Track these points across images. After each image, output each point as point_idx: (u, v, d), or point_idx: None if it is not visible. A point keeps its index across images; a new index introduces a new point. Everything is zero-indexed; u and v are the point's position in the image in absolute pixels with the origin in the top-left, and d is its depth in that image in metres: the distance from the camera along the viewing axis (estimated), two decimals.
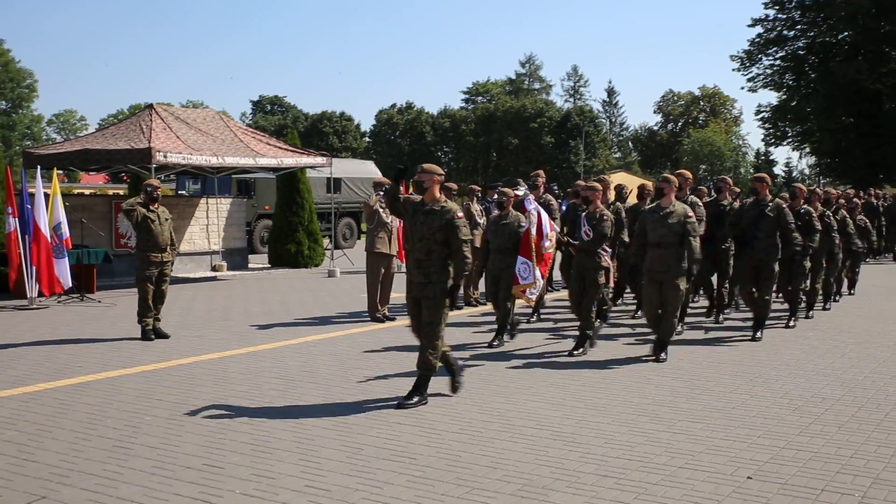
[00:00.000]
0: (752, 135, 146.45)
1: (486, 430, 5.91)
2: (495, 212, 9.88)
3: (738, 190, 13.41)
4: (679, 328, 9.64)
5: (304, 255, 19.78)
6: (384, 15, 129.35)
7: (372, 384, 7.37)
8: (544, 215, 8.98)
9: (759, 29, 45.14)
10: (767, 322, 10.14)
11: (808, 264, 10.80)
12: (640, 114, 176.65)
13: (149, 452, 5.38)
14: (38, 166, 12.98)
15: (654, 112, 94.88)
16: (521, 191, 9.70)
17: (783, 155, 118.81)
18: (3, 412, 6.45)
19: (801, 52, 44.63)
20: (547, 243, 8.90)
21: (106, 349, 9.22)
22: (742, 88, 61.06)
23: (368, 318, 11.33)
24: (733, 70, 47.42)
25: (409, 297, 6.71)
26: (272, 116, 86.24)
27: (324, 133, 75.77)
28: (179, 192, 26.68)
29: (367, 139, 78.88)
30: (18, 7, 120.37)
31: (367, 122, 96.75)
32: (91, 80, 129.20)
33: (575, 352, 8.71)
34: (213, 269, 18.76)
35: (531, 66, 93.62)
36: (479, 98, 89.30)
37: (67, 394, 7.07)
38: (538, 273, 8.79)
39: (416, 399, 6.48)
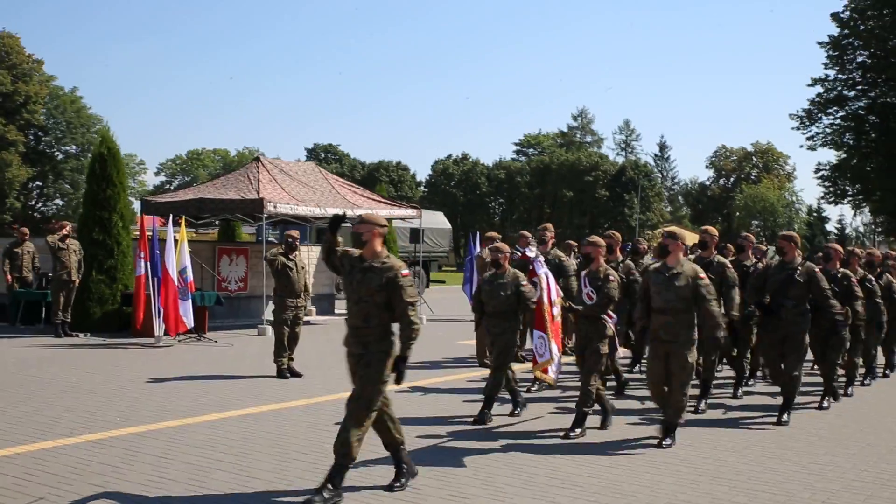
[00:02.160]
0: (806, 191, 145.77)
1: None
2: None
3: (763, 248, 12.31)
4: (702, 406, 8.99)
5: None
6: (438, 66, 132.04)
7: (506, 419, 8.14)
8: (552, 279, 8.13)
9: (818, 88, 45.69)
10: (798, 401, 8.97)
11: (847, 335, 9.58)
12: (691, 168, 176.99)
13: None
14: (171, 214, 14.04)
15: (707, 167, 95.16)
16: (532, 252, 8.63)
17: (837, 212, 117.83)
18: (198, 436, 7.32)
19: (862, 112, 45.00)
20: (556, 310, 8.02)
21: (251, 385, 10.08)
22: (801, 147, 61.29)
23: (476, 364, 12.07)
24: (793, 129, 47.61)
25: (350, 371, 5.78)
26: (327, 165, 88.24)
27: (380, 182, 77.35)
28: (259, 238, 27.86)
29: (422, 189, 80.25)
30: (84, 52, 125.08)
31: (421, 172, 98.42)
32: (149, 125, 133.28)
33: (572, 433, 7.62)
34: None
35: (583, 120, 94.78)
36: (531, 150, 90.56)
37: (245, 423, 7.92)
38: (554, 348, 7.88)
39: (327, 495, 5.41)
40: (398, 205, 19.30)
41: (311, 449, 6.93)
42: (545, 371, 7.96)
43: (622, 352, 10.68)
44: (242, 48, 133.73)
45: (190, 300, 13.78)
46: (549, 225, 10.64)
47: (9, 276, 15.45)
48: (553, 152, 79.21)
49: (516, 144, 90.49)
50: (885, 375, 12.16)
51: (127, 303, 15.09)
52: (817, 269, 8.71)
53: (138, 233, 14.44)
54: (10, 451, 6.62)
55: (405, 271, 5.65)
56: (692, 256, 9.67)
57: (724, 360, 10.40)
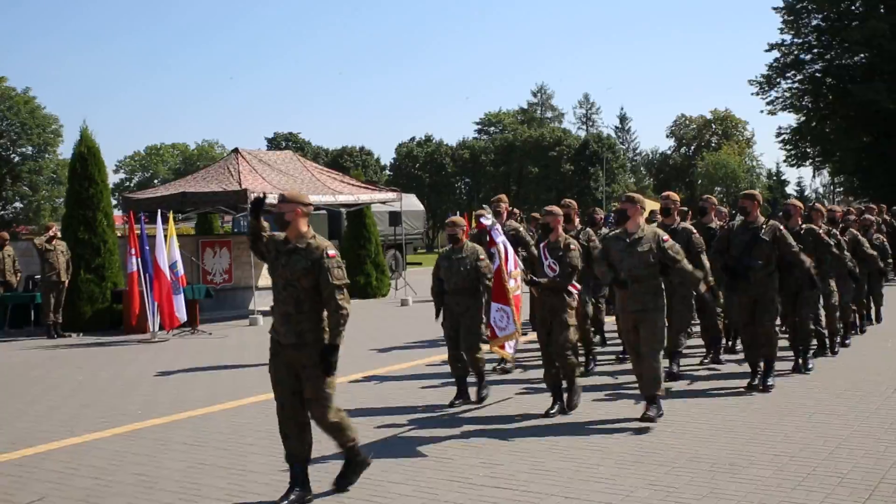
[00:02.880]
0: (766, 155, 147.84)
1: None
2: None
3: (724, 210, 11.96)
4: (673, 368, 8.85)
5: (373, 286, 20.81)
6: (395, 49, 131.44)
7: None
8: (510, 249, 7.71)
9: (775, 53, 46.43)
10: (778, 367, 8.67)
11: (826, 290, 9.51)
12: (652, 138, 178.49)
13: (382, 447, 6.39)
14: (159, 210, 14.07)
15: (667, 136, 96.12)
16: (488, 220, 8.12)
17: (796, 175, 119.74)
18: (222, 423, 7.50)
19: (819, 75, 45.80)
20: (512, 283, 7.54)
21: (259, 373, 10.06)
22: (762, 112, 62.85)
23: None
24: (752, 94, 48.30)
25: (276, 361, 5.41)
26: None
27: (345, 168, 77.14)
28: (236, 230, 27.82)
29: (387, 172, 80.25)
30: (37, 52, 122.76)
31: (385, 156, 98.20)
32: (105, 122, 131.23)
33: (552, 411, 7.43)
34: None
35: (543, 96, 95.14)
36: (492, 128, 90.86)
37: (265, 408, 7.98)
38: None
39: (354, 478, 5.53)
40: (378, 188, 19.44)
41: None
42: (502, 347, 7.55)
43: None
44: (197, 42, 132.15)
45: (182, 294, 13.85)
46: (503, 196, 10.07)
47: None
48: (517, 129, 79.56)
49: (478, 123, 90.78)
50: (862, 331, 12.06)
51: (117, 301, 15.11)
52: (781, 227, 8.42)
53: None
54: (43, 448, 6.75)
55: (332, 252, 5.32)
56: (654, 224, 9.17)
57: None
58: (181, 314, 13.79)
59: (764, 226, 8.28)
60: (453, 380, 8.13)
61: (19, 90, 75.20)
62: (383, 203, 19.90)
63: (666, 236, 7.24)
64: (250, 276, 18.48)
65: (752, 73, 75.71)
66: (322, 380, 5.27)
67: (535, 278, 7.44)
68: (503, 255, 7.47)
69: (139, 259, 13.76)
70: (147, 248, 13.78)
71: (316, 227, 20.95)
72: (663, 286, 7.24)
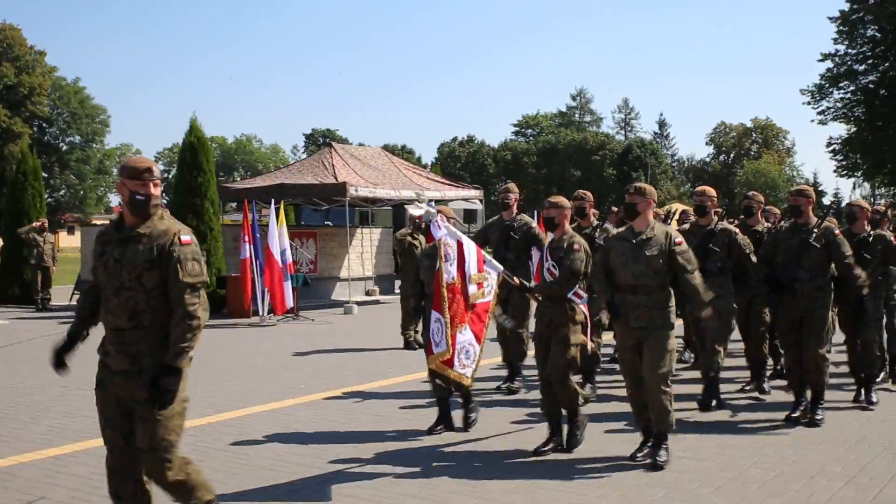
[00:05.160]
0: (806, 165, 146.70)
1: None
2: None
3: (776, 212, 10.46)
4: (714, 402, 7.45)
5: None
6: (436, 51, 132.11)
7: None
8: (468, 245, 6.00)
9: (828, 63, 46.45)
10: (828, 397, 7.23)
11: (877, 311, 7.80)
12: (690, 144, 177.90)
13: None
14: (272, 200, 14.65)
15: (706, 143, 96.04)
16: (420, 210, 6.24)
17: (832, 186, 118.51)
18: (386, 396, 8.04)
19: (872, 86, 45.80)
20: (473, 288, 5.93)
21: (388, 357, 10.75)
22: (812, 121, 63.16)
23: None
24: (803, 104, 48.40)
25: (104, 393, 3.98)
26: None
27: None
28: (327, 222, 28.30)
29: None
30: (84, 43, 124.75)
31: (426, 155, 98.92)
32: (146, 114, 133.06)
33: (543, 448, 6.10)
34: (367, 293, 20.29)
35: (582, 99, 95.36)
36: (529, 130, 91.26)
37: (415, 385, 8.62)
38: (468, 336, 5.81)
39: None
40: (463, 186, 19.99)
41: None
42: (448, 364, 5.75)
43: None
44: (240, 39, 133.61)
45: (290, 281, 14.43)
46: (512, 185, 8.62)
47: None
48: (559, 132, 79.98)
49: (515, 125, 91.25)
50: None
51: (221, 285, 15.72)
52: (837, 231, 7.16)
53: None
54: (242, 413, 7.36)
55: (186, 237, 3.90)
56: (687, 225, 8.49)
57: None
58: (289, 300, 14.38)
59: (815, 229, 7.00)
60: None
61: (69, 80, 76.67)
62: (466, 200, 20.45)
63: (679, 238, 6.01)
64: (335, 267, 19.11)
65: (795, 81, 76.02)
66: (162, 421, 3.81)
67: (524, 283, 6.33)
68: (454, 254, 5.88)
69: (251, 246, 14.35)
70: (258, 235, 14.38)
71: (383, 222, 21.50)
72: (673, 299, 5.98)
